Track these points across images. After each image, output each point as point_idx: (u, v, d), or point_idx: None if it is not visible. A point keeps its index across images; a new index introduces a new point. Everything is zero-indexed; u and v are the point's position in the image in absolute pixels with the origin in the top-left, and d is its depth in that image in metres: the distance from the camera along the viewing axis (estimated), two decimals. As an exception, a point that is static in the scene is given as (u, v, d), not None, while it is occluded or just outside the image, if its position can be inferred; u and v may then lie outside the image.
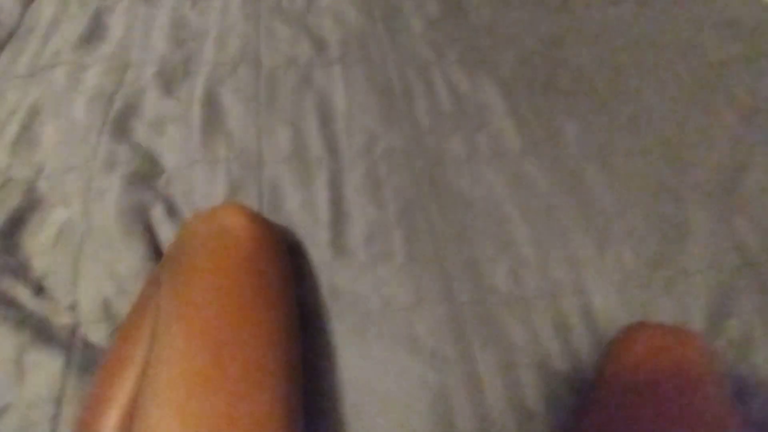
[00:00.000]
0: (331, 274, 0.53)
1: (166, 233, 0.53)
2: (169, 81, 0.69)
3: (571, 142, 0.70)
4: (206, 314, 0.37)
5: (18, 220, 0.53)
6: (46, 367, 0.45)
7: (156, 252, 0.52)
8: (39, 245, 0.52)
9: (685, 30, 0.89)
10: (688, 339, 0.43)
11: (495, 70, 0.77)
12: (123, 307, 0.48)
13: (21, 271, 0.50)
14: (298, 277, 0.52)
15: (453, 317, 0.52)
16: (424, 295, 0.53)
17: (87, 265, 0.50)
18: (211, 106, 0.65)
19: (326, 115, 0.67)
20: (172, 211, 0.55)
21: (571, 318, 0.53)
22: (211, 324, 0.37)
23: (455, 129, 0.68)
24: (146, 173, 0.57)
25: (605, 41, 0.85)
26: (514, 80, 0.76)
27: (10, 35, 0.75)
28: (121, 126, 0.61)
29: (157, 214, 0.54)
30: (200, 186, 0.57)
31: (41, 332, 0.46)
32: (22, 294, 0.48)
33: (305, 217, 0.57)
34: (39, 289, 0.49)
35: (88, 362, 0.46)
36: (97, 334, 0.48)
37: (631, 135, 0.72)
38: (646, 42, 0.86)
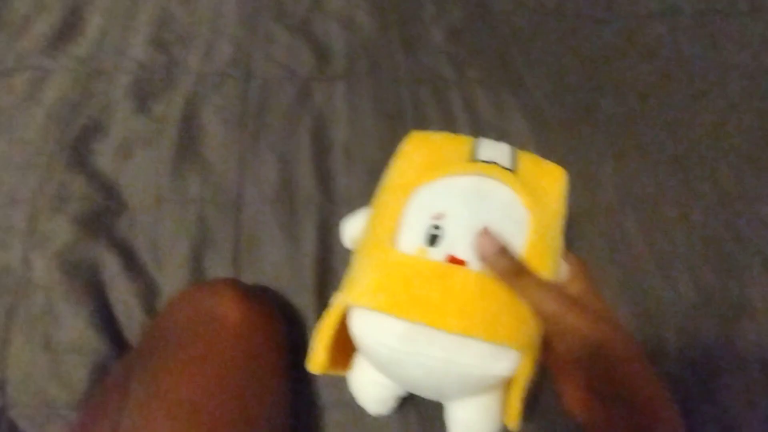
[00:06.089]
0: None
1: (120, 295, 0.44)
2: (145, 93, 0.59)
3: (608, 184, 0.60)
4: (190, 422, 0.30)
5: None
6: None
7: (103, 320, 0.43)
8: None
9: (749, 52, 0.77)
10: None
11: (524, 93, 0.66)
12: (58, 392, 0.40)
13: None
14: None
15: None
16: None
17: (20, 329, 0.42)
18: (190, 128, 0.56)
19: (323, 144, 0.57)
20: (130, 264, 0.46)
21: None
22: None
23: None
24: (104, 212, 0.48)
25: (654, 63, 0.73)
26: (547, 107, 0.65)
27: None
28: (81, 149, 0.53)
29: (112, 268, 0.45)
30: (167, 232, 0.48)
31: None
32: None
33: (288, 276, 0.48)
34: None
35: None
36: (27, 421, 0.40)
37: (680, 181, 0.61)
38: (702, 65, 0.74)
